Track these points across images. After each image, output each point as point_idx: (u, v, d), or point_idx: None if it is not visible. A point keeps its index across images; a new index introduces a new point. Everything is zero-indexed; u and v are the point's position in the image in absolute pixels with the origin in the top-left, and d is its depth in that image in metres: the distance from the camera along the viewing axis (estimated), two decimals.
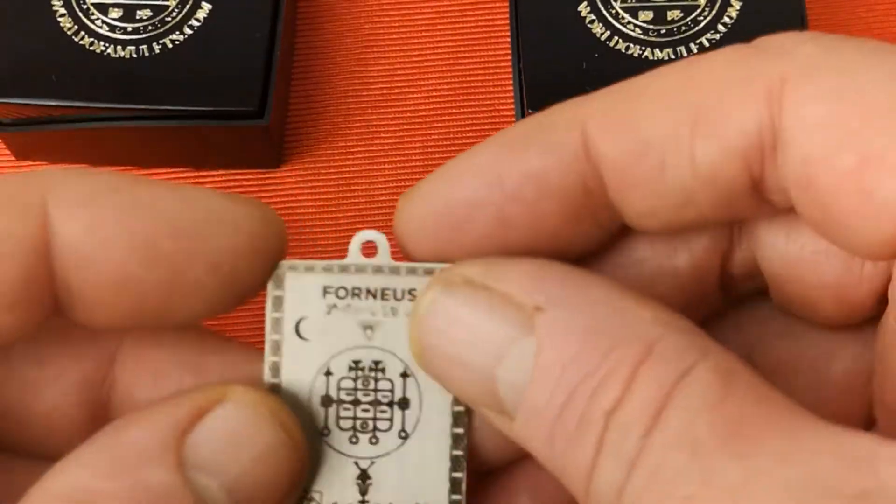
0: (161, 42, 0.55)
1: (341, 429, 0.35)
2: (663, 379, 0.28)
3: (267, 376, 0.35)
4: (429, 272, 0.35)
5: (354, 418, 0.35)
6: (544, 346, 0.30)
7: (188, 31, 0.55)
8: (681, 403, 0.28)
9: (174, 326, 0.35)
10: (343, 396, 0.35)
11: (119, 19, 0.55)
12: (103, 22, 0.55)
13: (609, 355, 0.29)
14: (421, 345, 0.33)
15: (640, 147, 0.32)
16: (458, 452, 0.35)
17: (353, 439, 0.35)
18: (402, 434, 0.35)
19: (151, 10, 0.55)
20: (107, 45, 0.54)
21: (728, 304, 0.37)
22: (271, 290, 0.35)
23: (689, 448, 0.27)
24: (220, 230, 0.33)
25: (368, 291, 0.35)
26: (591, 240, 0.35)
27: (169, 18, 0.55)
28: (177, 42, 0.55)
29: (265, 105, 0.53)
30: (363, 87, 0.58)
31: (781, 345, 0.37)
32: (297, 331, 0.35)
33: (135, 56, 0.54)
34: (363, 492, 0.35)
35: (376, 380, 0.35)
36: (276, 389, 0.35)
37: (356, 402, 0.35)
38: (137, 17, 0.55)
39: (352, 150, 0.58)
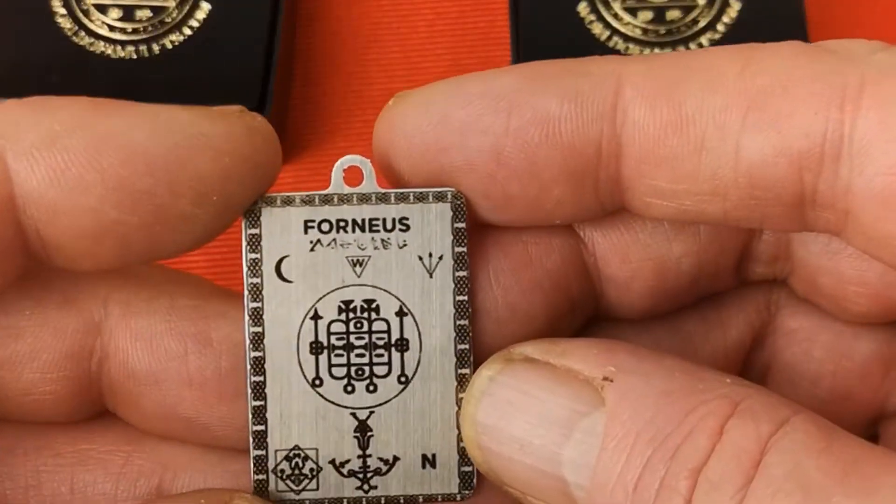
0: (161, 43, 0.52)
1: (334, 377, 0.30)
2: (757, 430, 0.25)
3: (248, 325, 0.30)
4: (420, 198, 0.30)
5: (348, 365, 0.31)
6: (616, 415, 0.26)
7: (188, 31, 0.52)
8: (782, 451, 0.24)
9: (167, 258, 0.30)
10: (334, 342, 0.30)
11: (119, 20, 0.52)
12: (103, 22, 0.52)
13: (691, 414, 0.25)
14: (477, 428, 0.28)
15: (678, 121, 0.27)
16: None
17: (349, 388, 0.31)
18: (402, 379, 0.31)
19: (151, 11, 0.52)
20: (106, 45, 0.52)
21: (733, 287, 0.33)
22: (246, 229, 0.30)
23: (801, 491, 0.24)
24: (203, 156, 0.28)
25: (355, 223, 0.30)
26: (579, 211, 0.30)
27: (169, 19, 0.52)
28: (176, 42, 0.52)
29: (264, 105, 0.50)
30: (363, 88, 0.55)
31: (797, 331, 0.34)
32: (278, 272, 0.30)
33: (134, 57, 0.51)
34: (363, 445, 0.31)
35: (370, 321, 0.30)
36: (258, 339, 0.30)
37: (349, 347, 0.30)
38: (137, 18, 0.52)
39: (352, 150, 0.46)
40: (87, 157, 0.27)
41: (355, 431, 0.30)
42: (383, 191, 0.30)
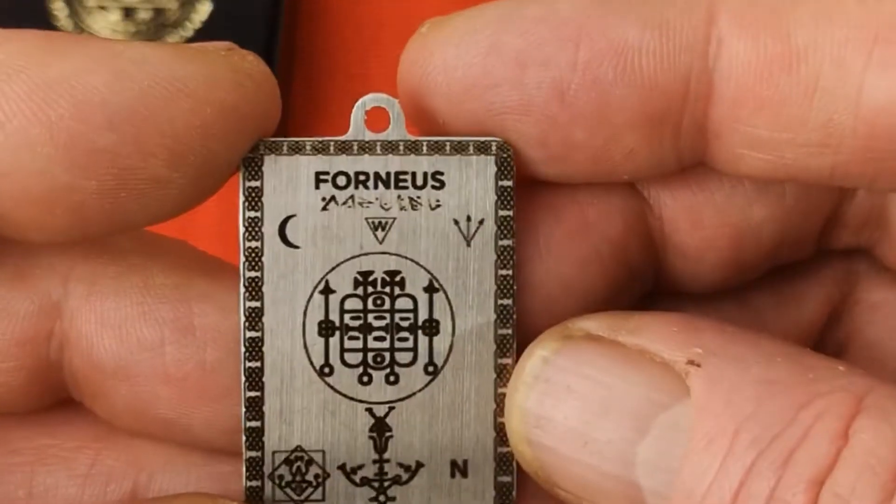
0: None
1: (348, 365, 0.24)
2: (894, 433, 0.20)
3: (243, 300, 0.24)
4: (459, 148, 0.24)
5: (365, 350, 0.24)
6: (706, 408, 0.21)
7: (188, 32, 0.49)
8: None
9: (138, 228, 0.24)
10: (349, 321, 0.24)
11: (119, 20, 0.49)
12: (104, 23, 0.49)
13: (803, 411, 0.20)
14: (527, 419, 0.23)
15: (787, 55, 0.22)
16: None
17: (365, 378, 0.24)
18: (430, 369, 0.24)
19: (152, 12, 0.49)
20: None
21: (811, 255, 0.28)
22: (244, 180, 0.24)
23: None
24: (178, 106, 0.22)
25: (378, 177, 0.24)
26: (653, 164, 0.24)
27: (169, 20, 0.49)
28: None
29: None
30: (364, 89, 0.48)
31: (881, 304, 0.29)
32: (282, 235, 0.24)
33: None
34: (380, 448, 0.24)
35: (393, 297, 0.24)
36: (255, 316, 0.24)
37: (367, 329, 0.24)
38: (138, 19, 0.49)
39: None
40: (32, 107, 0.21)
41: (371, 431, 0.24)
42: (413, 138, 0.24)
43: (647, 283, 0.27)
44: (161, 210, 0.22)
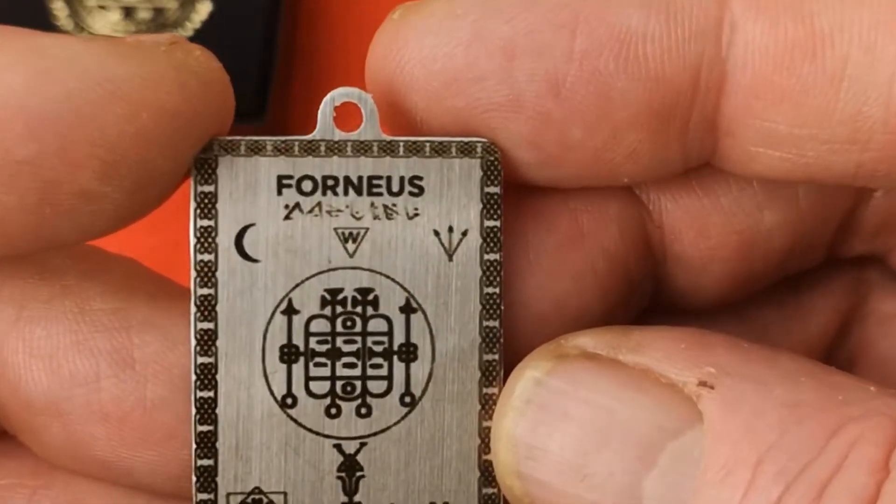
0: None
1: (313, 395, 0.20)
2: None
3: (194, 320, 0.20)
4: (440, 150, 0.20)
5: (333, 378, 0.20)
6: (722, 435, 0.18)
7: (188, 31, 0.47)
8: None
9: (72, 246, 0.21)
10: (315, 346, 0.20)
11: (120, 20, 0.46)
12: (104, 23, 0.46)
13: (835, 438, 0.17)
14: (517, 449, 0.19)
15: (811, 39, 0.19)
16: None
17: (332, 410, 0.20)
18: (407, 399, 0.20)
19: (151, 11, 0.47)
20: None
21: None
22: (196, 184, 0.20)
23: None
24: (111, 111, 0.18)
25: (348, 182, 0.20)
26: (656, 166, 0.21)
27: (169, 20, 0.47)
28: None
29: (264, 106, 0.45)
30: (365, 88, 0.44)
31: (894, 316, 0.25)
32: (239, 247, 0.20)
33: None
34: (350, 490, 0.20)
35: (365, 318, 0.20)
36: (208, 340, 0.20)
37: (335, 354, 0.20)
38: (138, 19, 0.47)
39: None
40: None
41: (339, 470, 0.20)
42: (389, 138, 0.20)
43: (644, 299, 0.24)
44: (94, 226, 0.19)
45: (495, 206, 0.20)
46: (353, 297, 0.20)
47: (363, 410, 0.20)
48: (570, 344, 0.20)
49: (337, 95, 0.20)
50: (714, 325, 0.24)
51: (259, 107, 0.45)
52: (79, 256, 0.21)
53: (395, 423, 0.20)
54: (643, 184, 0.22)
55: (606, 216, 0.22)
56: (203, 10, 0.46)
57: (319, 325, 0.20)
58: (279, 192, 0.20)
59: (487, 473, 0.20)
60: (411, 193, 0.20)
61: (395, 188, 0.20)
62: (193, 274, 0.20)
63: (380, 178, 0.20)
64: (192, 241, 0.20)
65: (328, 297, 0.20)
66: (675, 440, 0.18)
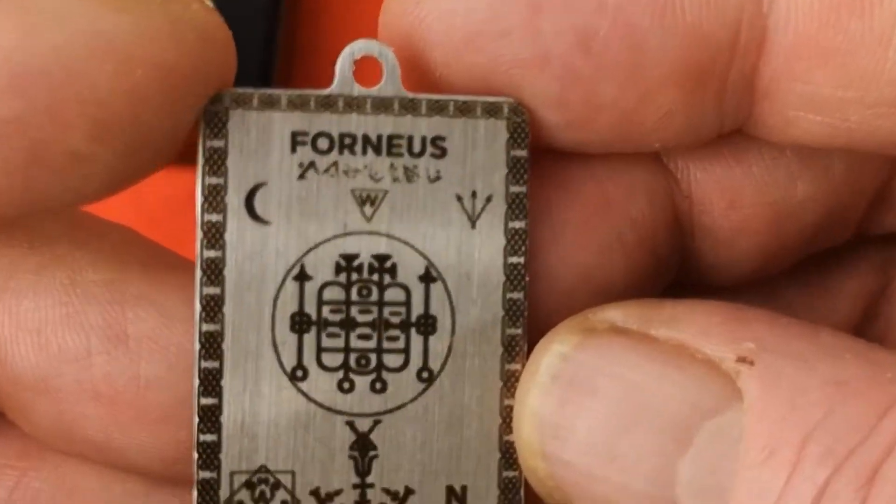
0: None
1: (325, 368, 0.18)
2: None
3: (200, 284, 0.18)
4: (464, 109, 0.19)
5: (347, 350, 0.18)
6: (764, 416, 0.16)
7: None
8: None
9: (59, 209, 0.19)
10: (328, 315, 0.18)
11: None
12: None
13: (885, 420, 0.16)
14: (541, 428, 0.18)
15: None
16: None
17: (345, 385, 0.18)
18: (425, 375, 0.19)
19: None
20: None
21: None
22: (204, 139, 0.18)
23: None
24: (102, 66, 0.17)
25: (367, 141, 0.18)
26: (690, 129, 0.19)
27: None
28: None
29: None
30: None
31: None
32: (249, 207, 0.18)
33: None
34: (362, 470, 0.19)
35: (381, 287, 0.19)
36: (214, 305, 0.18)
37: (349, 324, 0.18)
38: None
39: None
40: None
41: (352, 449, 0.19)
42: (411, 95, 0.19)
43: (670, 274, 0.22)
44: (85, 189, 0.18)
45: (521, 171, 0.19)
46: (370, 264, 0.18)
47: (378, 385, 0.19)
48: (598, 318, 0.18)
49: (357, 48, 0.18)
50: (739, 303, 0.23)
51: None
52: (71, 223, 0.20)
53: (412, 400, 0.19)
54: (673, 151, 0.20)
55: (634, 185, 0.20)
56: None
57: (333, 293, 0.18)
58: (293, 150, 0.18)
59: (509, 455, 0.19)
60: (433, 155, 0.18)
61: (417, 149, 0.18)
62: (200, 235, 0.18)
63: (400, 137, 0.18)
64: (199, 199, 0.18)
65: (343, 263, 0.18)
66: (713, 419, 0.17)
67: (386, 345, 0.19)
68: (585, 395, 0.18)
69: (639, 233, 0.20)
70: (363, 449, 0.19)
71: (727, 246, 0.21)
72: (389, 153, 0.18)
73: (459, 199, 0.19)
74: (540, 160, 0.20)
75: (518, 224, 0.19)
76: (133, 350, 0.19)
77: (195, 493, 0.18)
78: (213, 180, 0.18)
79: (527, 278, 0.19)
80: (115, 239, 0.20)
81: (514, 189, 0.19)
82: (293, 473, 0.18)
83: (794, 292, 0.24)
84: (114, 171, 0.18)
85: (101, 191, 0.18)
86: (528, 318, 0.19)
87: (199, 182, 0.18)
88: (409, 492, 0.19)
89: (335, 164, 0.18)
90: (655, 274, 0.21)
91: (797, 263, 0.23)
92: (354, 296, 0.19)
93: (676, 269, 0.22)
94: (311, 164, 0.18)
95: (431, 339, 0.19)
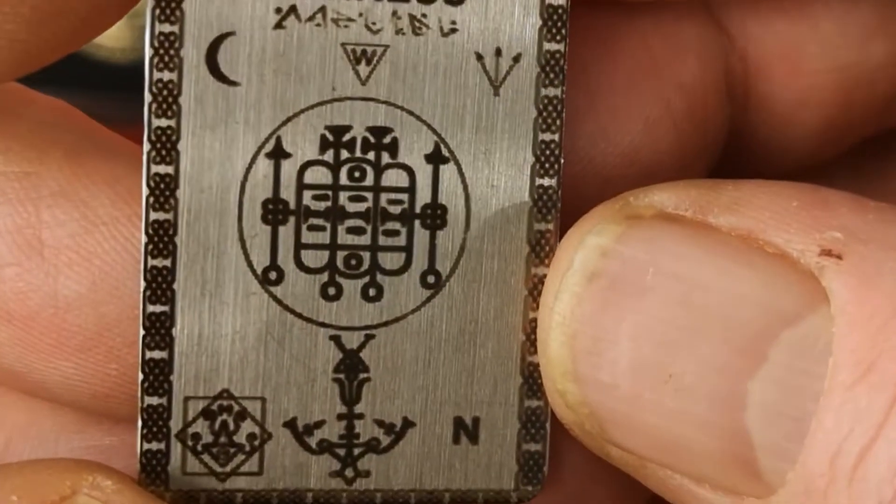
0: None
1: (305, 269, 0.15)
2: None
3: (148, 161, 0.15)
4: None
5: (333, 247, 0.15)
6: (856, 323, 0.14)
7: None
8: None
9: None
10: (310, 202, 0.15)
11: (121, 23, 0.40)
12: None
13: None
14: (574, 344, 0.15)
15: None
16: None
17: (331, 291, 0.15)
18: (431, 279, 0.16)
19: None
20: (108, 50, 0.47)
21: None
22: None
23: None
24: None
25: None
26: None
27: None
28: None
29: None
30: None
31: None
32: (211, 63, 0.15)
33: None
34: (349, 396, 0.16)
35: (378, 168, 0.15)
36: (165, 188, 0.15)
37: (337, 215, 0.15)
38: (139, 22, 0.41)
39: None
40: None
41: (337, 371, 0.16)
42: None
43: (713, 159, 0.19)
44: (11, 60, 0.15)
45: (559, 24, 0.16)
46: (364, 139, 0.15)
47: (371, 292, 0.16)
48: (642, 202, 0.15)
49: None
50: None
51: None
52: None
53: (414, 311, 0.16)
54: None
55: (682, 42, 0.18)
56: None
57: (317, 175, 0.16)
58: None
59: (532, 381, 0.16)
60: (448, 1, 0.16)
61: None
62: (148, 98, 0.15)
63: None
64: (148, 52, 0.15)
65: (330, 137, 0.15)
66: (792, 327, 0.14)
67: (382, 241, 0.16)
68: (631, 299, 0.15)
69: (688, 101, 0.18)
70: (351, 370, 0.16)
71: (785, 120, 0.19)
72: None
73: (480, 57, 0.16)
74: (572, 12, 0.17)
75: (553, 91, 0.16)
76: (49, 262, 0.16)
77: (139, 423, 0.15)
78: (165, 28, 0.15)
79: (561, 160, 0.16)
80: (36, 119, 0.17)
81: (550, 46, 0.16)
82: (262, 400, 0.16)
83: (846, 178, 0.22)
84: (22, 45, 0.15)
85: (6, 70, 0.15)
86: (562, 207, 0.16)
87: (147, 31, 0.15)
88: (407, 424, 0.16)
89: (322, 9, 0.15)
90: (704, 154, 0.19)
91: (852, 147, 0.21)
92: (344, 179, 0.16)
93: (720, 152, 0.19)
94: (292, 10, 0.15)
95: (440, 234, 0.16)
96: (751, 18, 0.18)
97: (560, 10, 0.16)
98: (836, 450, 0.14)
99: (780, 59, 0.19)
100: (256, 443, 0.16)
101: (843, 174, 0.22)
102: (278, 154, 0.15)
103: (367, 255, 0.16)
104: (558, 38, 0.16)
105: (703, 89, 0.18)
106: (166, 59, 0.15)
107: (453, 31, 0.16)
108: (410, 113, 0.16)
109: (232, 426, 0.16)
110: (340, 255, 0.16)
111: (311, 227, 0.16)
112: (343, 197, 0.16)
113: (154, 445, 0.16)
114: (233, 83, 0.15)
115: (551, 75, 0.16)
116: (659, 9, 0.18)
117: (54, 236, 0.16)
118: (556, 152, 0.16)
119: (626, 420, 0.15)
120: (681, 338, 0.15)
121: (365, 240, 0.16)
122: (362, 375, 0.16)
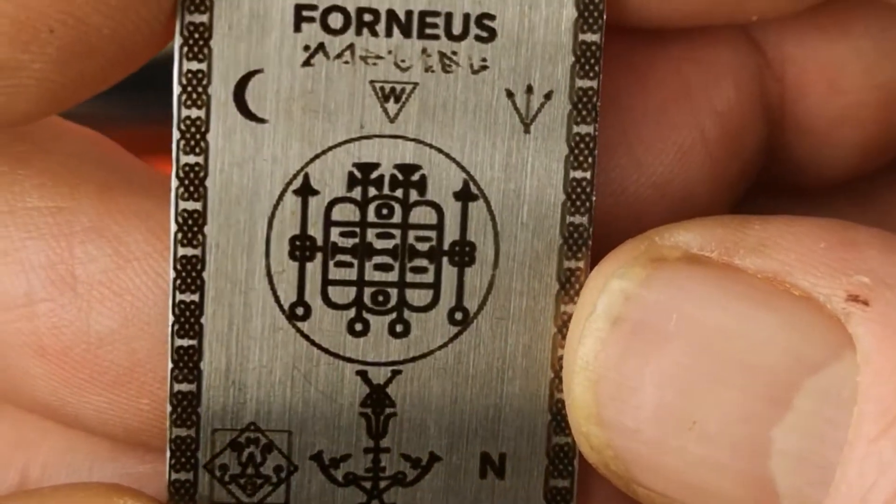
0: None
1: (332, 305, 0.15)
2: None
3: (176, 198, 0.15)
4: None
5: (360, 283, 0.15)
6: (882, 372, 0.14)
7: None
8: None
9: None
10: (337, 239, 0.15)
11: None
12: None
13: None
14: (599, 389, 0.15)
15: None
16: None
17: (358, 327, 0.16)
18: (458, 316, 0.16)
19: None
20: None
21: None
22: (183, 13, 0.15)
23: None
24: None
25: (393, 18, 0.15)
26: None
27: None
28: None
29: None
30: None
31: None
32: (239, 100, 0.15)
33: None
34: (377, 431, 0.16)
35: (406, 205, 0.15)
36: (193, 224, 0.15)
37: (364, 251, 0.15)
38: None
39: None
40: None
41: (364, 405, 0.16)
42: None
43: (751, 179, 0.19)
44: (11, 107, 0.15)
45: (592, 61, 0.16)
46: (393, 177, 0.16)
47: (399, 328, 0.16)
48: (667, 242, 0.15)
49: None
50: (823, 208, 0.21)
51: None
52: (12, 133, 0.17)
53: (441, 347, 0.16)
54: (766, 21, 0.18)
55: (717, 67, 0.18)
56: None
57: (345, 212, 0.16)
58: (297, 28, 0.15)
59: (561, 417, 0.16)
60: (478, 38, 0.15)
61: (457, 30, 0.15)
62: (176, 135, 0.15)
63: (436, 14, 0.15)
64: (176, 90, 0.15)
65: (358, 174, 0.15)
66: (817, 375, 0.14)
67: (410, 278, 0.16)
68: (654, 345, 0.15)
69: (723, 127, 0.18)
70: (378, 405, 0.16)
71: (823, 140, 0.19)
72: (421, 35, 0.15)
73: (510, 95, 0.16)
74: (605, 41, 0.17)
75: (585, 129, 0.16)
76: (82, 297, 0.16)
77: (168, 454, 0.16)
78: (193, 65, 0.15)
79: (593, 197, 0.16)
80: (67, 151, 0.17)
81: (583, 84, 0.16)
82: (289, 434, 0.16)
83: (886, 193, 0.21)
84: (49, 84, 0.15)
85: (35, 109, 0.15)
86: (592, 245, 0.16)
87: (175, 69, 0.15)
88: (433, 459, 0.16)
89: (350, 47, 0.15)
90: (739, 180, 0.18)
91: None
92: (371, 216, 0.16)
93: (758, 173, 0.19)
94: (320, 47, 0.15)
95: (468, 271, 0.16)
96: (789, 39, 0.18)
97: (594, 47, 0.16)
98: (860, 501, 0.14)
99: (818, 79, 0.18)
100: (283, 474, 0.16)
101: (881, 186, 0.21)
102: (306, 191, 0.16)
103: (394, 292, 0.16)
104: (591, 74, 0.16)
105: (739, 114, 0.18)
106: (194, 96, 0.15)
107: (483, 68, 0.16)
108: (439, 150, 0.16)
109: (259, 458, 0.16)
110: (368, 291, 0.16)
111: (339, 264, 0.16)
112: (371, 234, 0.16)
113: (182, 475, 0.16)
114: (261, 120, 0.15)
115: (584, 112, 0.16)
116: (693, 34, 0.18)
117: (87, 272, 0.17)
118: (588, 190, 0.16)
119: (651, 464, 0.15)
120: (704, 385, 0.15)
121: (392, 276, 0.16)
122: (389, 410, 0.16)
